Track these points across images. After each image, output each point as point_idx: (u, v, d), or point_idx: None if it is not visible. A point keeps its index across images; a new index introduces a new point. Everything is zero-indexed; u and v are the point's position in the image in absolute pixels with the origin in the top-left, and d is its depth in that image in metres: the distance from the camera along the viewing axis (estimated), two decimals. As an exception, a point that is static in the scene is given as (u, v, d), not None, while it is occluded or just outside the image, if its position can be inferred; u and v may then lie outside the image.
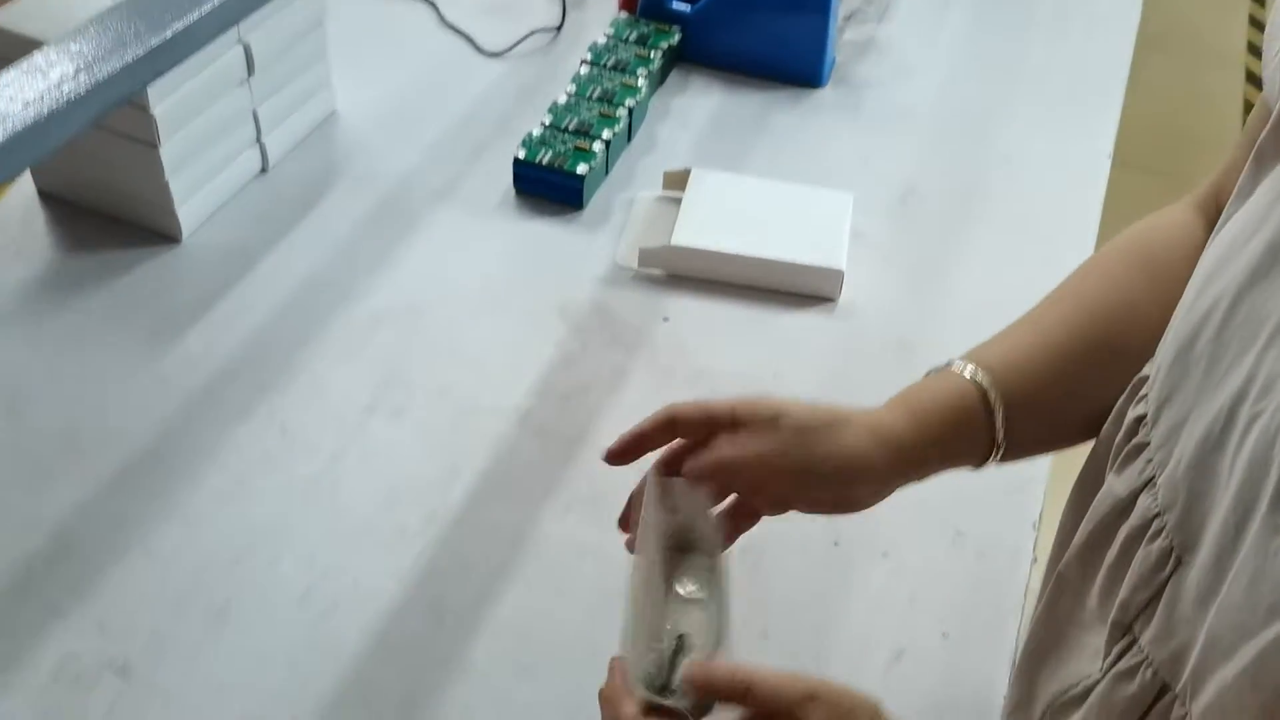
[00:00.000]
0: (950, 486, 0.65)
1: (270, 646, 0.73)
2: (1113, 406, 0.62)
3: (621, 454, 0.61)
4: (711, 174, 1.03)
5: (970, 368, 0.61)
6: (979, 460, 0.62)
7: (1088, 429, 0.63)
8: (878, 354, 0.93)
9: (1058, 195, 1.07)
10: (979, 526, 0.81)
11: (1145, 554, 0.51)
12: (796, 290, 0.97)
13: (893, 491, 0.61)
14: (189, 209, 0.97)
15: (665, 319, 0.95)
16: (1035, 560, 0.80)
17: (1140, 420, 0.54)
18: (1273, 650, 0.42)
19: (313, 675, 0.72)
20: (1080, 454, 0.63)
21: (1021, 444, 0.62)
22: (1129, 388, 0.58)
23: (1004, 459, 0.62)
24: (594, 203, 1.04)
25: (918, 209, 1.06)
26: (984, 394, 0.60)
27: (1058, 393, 0.62)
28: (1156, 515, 0.50)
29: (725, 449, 0.59)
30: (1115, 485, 0.55)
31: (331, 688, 0.71)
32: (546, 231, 1.02)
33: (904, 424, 0.60)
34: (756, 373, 0.91)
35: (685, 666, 0.52)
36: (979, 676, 0.73)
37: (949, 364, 0.62)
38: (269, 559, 0.77)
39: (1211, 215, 0.63)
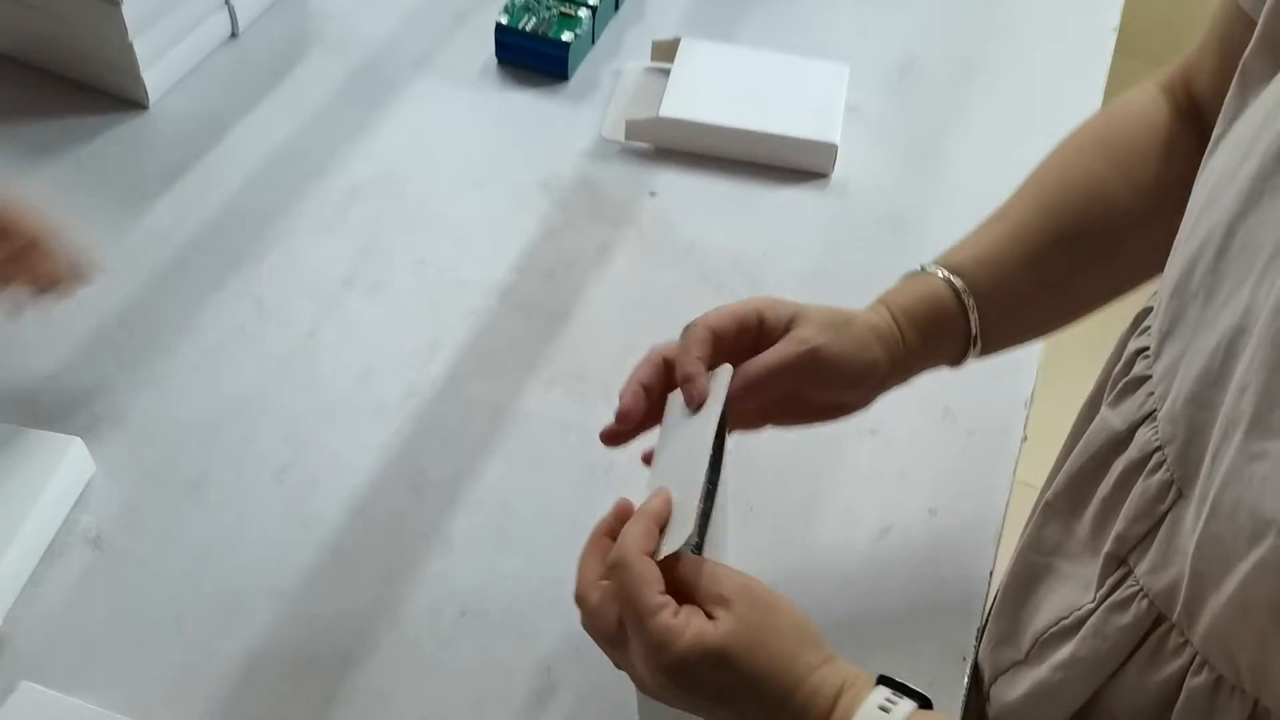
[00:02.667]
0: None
1: (248, 519, 0.72)
2: (1090, 295, 0.63)
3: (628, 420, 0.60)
4: (702, 44, 0.99)
5: (942, 271, 0.61)
6: (956, 359, 0.63)
7: (1065, 317, 0.64)
8: (871, 231, 0.90)
9: (1061, 69, 1.04)
10: (969, 405, 0.79)
11: (1144, 487, 0.51)
12: (788, 165, 0.94)
13: (876, 397, 0.62)
14: (155, 73, 0.93)
15: (652, 193, 0.92)
16: (1025, 439, 0.79)
17: (1140, 352, 0.53)
18: (1254, 576, 0.43)
19: (291, 547, 0.71)
20: (1075, 350, 0.63)
21: (999, 338, 0.63)
22: (1132, 319, 0.57)
23: (983, 354, 0.63)
24: (579, 73, 1.00)
25: (916, 82, 1.02)
26: (957, 293, 0.61)
27: (1031, 285, 0.62)
28: (1157, 449, 0.50)
29: (773, 356, 0.58)
30: (1111, 418, 0.54)
31: (311, 560, 0.70)
32: (530, 103, 0.98)
33: (894, 327, 0.60)
34: (745, 250, 0.88)
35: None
36: (966, 553, 0.72)
37: (922, 269, 0.62)
38: (246, 432, 0.76)
39: (1181, 100, 0.62)
